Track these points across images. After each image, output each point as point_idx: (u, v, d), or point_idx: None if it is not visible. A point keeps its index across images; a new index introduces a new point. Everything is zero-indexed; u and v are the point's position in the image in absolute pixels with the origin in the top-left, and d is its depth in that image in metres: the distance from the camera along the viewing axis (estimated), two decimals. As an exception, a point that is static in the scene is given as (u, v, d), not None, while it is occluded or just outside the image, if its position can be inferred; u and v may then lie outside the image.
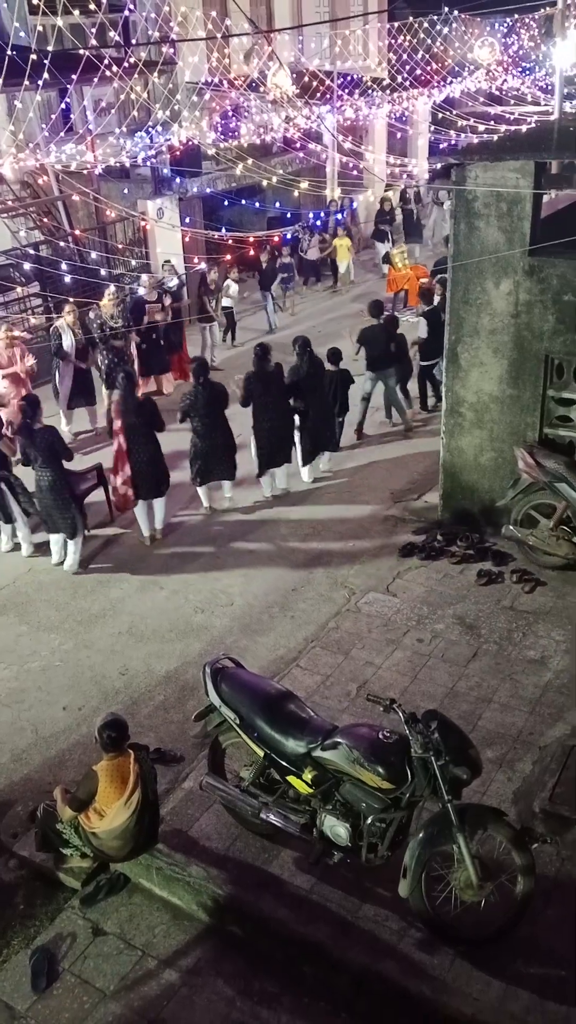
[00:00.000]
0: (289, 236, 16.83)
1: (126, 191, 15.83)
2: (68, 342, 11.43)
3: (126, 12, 15.21)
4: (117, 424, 9.11)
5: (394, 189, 19.80)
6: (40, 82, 12.66)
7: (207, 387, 9.50)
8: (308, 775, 5.04)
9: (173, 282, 13.53)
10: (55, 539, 9.01)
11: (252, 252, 15.29)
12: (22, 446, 8.74)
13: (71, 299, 11.79)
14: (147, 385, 12.63)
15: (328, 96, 18.65)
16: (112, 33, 14.32)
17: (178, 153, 15.77)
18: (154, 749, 6.15)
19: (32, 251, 13.38)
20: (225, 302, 14.80)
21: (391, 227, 18.71)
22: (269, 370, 9.74)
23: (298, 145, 17.78)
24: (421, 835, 4.80)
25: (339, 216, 18.54)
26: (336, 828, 4.98)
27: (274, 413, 9.77)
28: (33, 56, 12.55)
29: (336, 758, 4.92)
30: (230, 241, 14.49)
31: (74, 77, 13.65)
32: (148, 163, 15.30)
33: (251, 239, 14.79)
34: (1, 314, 12.78)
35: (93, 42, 13.80)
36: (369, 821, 4.87)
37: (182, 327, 13.33)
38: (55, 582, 8.81)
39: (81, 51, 13.51)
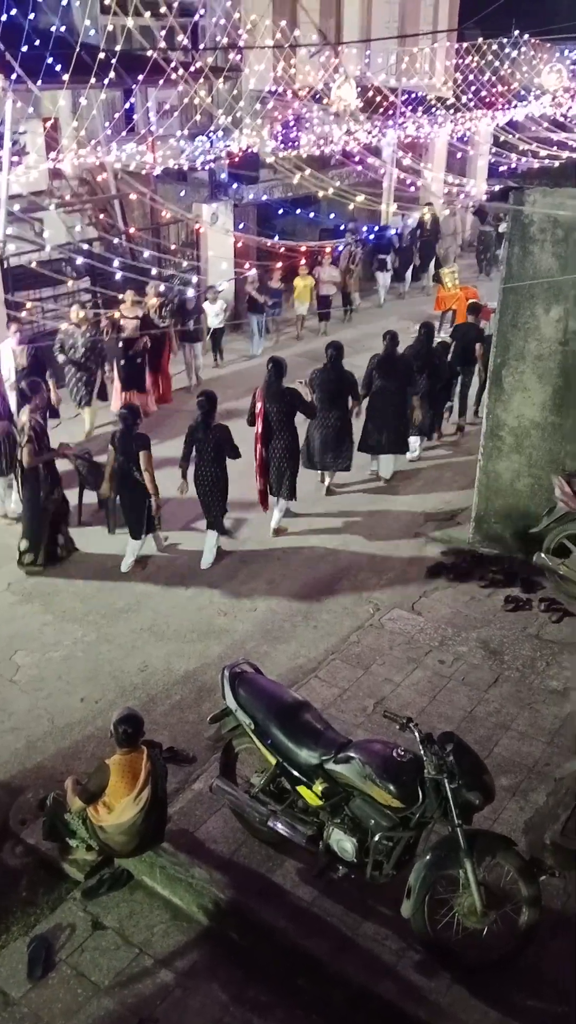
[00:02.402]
0: (340, 248, 16.85)
1: (182, 193, 15.98)
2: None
3: (196, 16, 15.39)
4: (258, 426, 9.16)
5: (431, 208, 19.63)
6: (106, 81, 12.82)
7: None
8: (319, 787, 5.01)
9: (189, 293, 13.40)
10: (211, 535, 9.00)
11: (303, 262, 15.34)
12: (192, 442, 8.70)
13: (121, 296, 11.93)
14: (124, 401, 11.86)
15: (391, 111, 18.68)
16: (180, 37, 14.46)
17: (236, 159, 15.88)
18: (167, 747, 6.16)
19: (86, 246, 13.52)
20: (212, 321, 14.19)
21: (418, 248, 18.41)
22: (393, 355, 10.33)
23: (357, 159, 17.82)
24: (428, 857, 4.75)
25: (391, 234, 18.44)
26: (343, 842, 4.95)
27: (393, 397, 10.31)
28: (101, 55, 12.74)
29: (348, 772, 4.89)
30: (282, 249, 14.55)
31: (140, 78, 13.82)
32: (206, 167, 15.42)
33: (302, 248, 14.84)
34: (51, 306, 12.90)
35: (161, 44, 13.93)
36: (376, 838, 4.83)
37: (164, 347, 12.81)
38: (82, 573, 8.87)
39: (148, 53, 13.66)
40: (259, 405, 9.12)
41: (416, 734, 4.78)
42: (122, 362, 11.89)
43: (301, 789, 5.11)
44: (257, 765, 5.50)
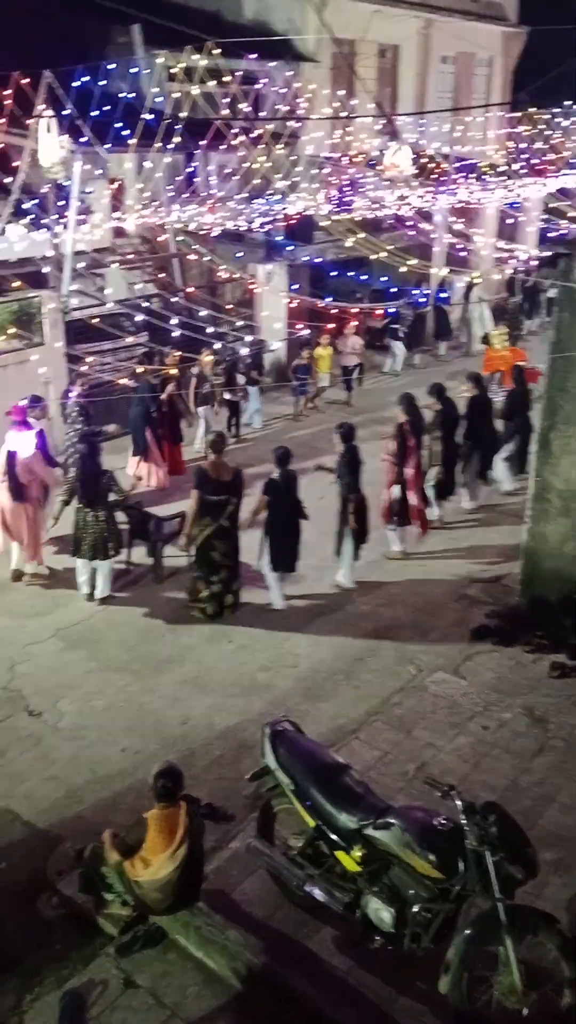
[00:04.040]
0: (392, 311, 17.06)
1: (239, 254, 16.36)
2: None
3: (257, 85, 15.92)
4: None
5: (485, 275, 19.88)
6: (170, 146, 13.29)
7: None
8: (357, 853, 4.95)
9: (243, 351, 13.51)
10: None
11: (355, 323, 15.54)
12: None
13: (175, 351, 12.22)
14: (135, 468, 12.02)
15: (443, 177, 19.03)
16: (242, 105, 14.97)
17: (292, 222, 16.27)
18: (205, 804, 6.11)
19: (144, 303, 13.90)
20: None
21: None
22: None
23: (409, 223, 18.13)
24: (468, 931, 4.65)
25: (441, 295, 18.64)
26: (380, 912, 4.87)
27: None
28: (166, 121, 13.24)
29: (387, 839, 4.83)
30: (333, 311, 14.77)
31: (202, 143, 14.30)
32: (263, 229, 15.80)
33: (354, 310, 15.06)
34: (108, 360, 13.25)
35: (224, 112, 14.45)
36: (415, 909, 4.75)
37: (178, 417, 12.83)
38: (128, 622, 8.97)
39: (211, 119, 14.17)
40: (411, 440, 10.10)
41: (458, 803, 4.72)
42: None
43: (339, 854, 5.06)
44: (295, 827, 5.46)
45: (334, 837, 5.06)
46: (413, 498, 10.22)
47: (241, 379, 14.25)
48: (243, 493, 8.96)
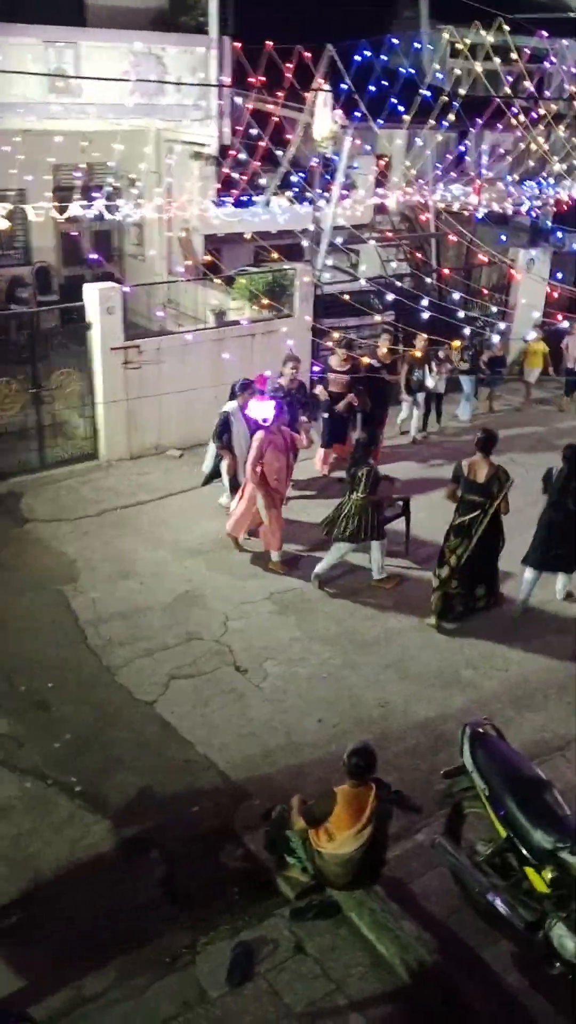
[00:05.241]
0: None
1: (503, 237, 15.85)
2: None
3: (545, 64, 15.25)
4: None
5: None
6: (445, 124, 13.05)
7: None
8: (548, 874, 4.70)
9: (495, 339, 12.80)
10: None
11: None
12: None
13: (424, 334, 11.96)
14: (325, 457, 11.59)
15: None
16: (526, 83, 14.41)
17: (564, 207, 15.51)
18: (395, 790, 6.05)
19: (397, 282, 13.81)
20: (431, 382, 12.77)
21: None
22: None
23: None
24: None
25: None
26: (565, 939, 4.61)
27: None
28: (444, 98, 13.00)
29: (584, 867, 4.55)
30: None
31: (479, 122, 13.93)
32: (531, 213, 15.19)
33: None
34: (352, 336, 13.29)
35: (506, 90, 13.97)
36: (603, 946, 4.45)
37: (386, 400, 12.03)
38: (339, 596, 9.02)
39: (492, 97, 13.74)
40: None
41: None
42: (326, 416, 11.46)
43: (528, 871, 4.83)
44: (484, 833, 5.28)
45: (526, 853, 4.83)
46: None
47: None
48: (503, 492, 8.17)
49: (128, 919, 5.36)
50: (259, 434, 9.18)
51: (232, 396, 10.05)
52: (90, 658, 7.84)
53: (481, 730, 5.44)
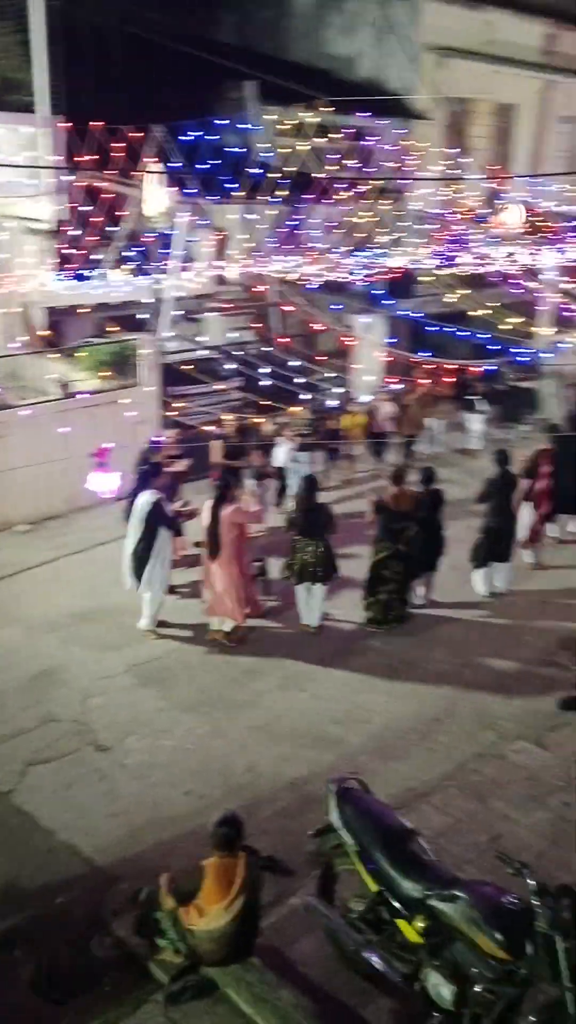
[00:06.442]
0: (492, 368, 16.76)
1: (338, 306, 16.49)
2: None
3: (367, 142, 16.18)
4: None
5: None
6: (276, 199, 13.59)
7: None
8: (420, 923, 4.72)
9: (332, 403, 13.17)
10: None
11: (450, 380, 15.24)
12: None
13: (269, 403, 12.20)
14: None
15: (553, 236, 18.87)
16: (350, 161, 15.21)
17: (394, 276, 16.33)
18: (266, 856, 5.96)
19: (237, 350, 14.11)
20: (279, 461, 12.13)
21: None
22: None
23: (515, 280, 17.99)
24: (532, 1019, 4.35)
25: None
26: (440, 988, 4.61)
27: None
28: (273, 175, 13.56)
29: (452, 912, 4.59)
30: (432, 367, 14.67)
31: (308, 197, 14.58)
32: (360, 282, 15.90)
33: (452, 366, 14.92)
34: (203, 403, 13.45)
35: (332, 167, 14.72)
36: (478, 989, 4.48)
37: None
38: (202, 663, 8.93)
39: (318, 175, 14.44)
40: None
41: (530, 882, 4.46)
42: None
43: (401, 923, 4.84)
44: (357, 888, 5.25)
45: (396, 904, 4.85)
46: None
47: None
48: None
49: (-9, 1029, 5.01)
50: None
51: (144, 482, 9.30)
52: None
53: (347, 786, 5.45)
